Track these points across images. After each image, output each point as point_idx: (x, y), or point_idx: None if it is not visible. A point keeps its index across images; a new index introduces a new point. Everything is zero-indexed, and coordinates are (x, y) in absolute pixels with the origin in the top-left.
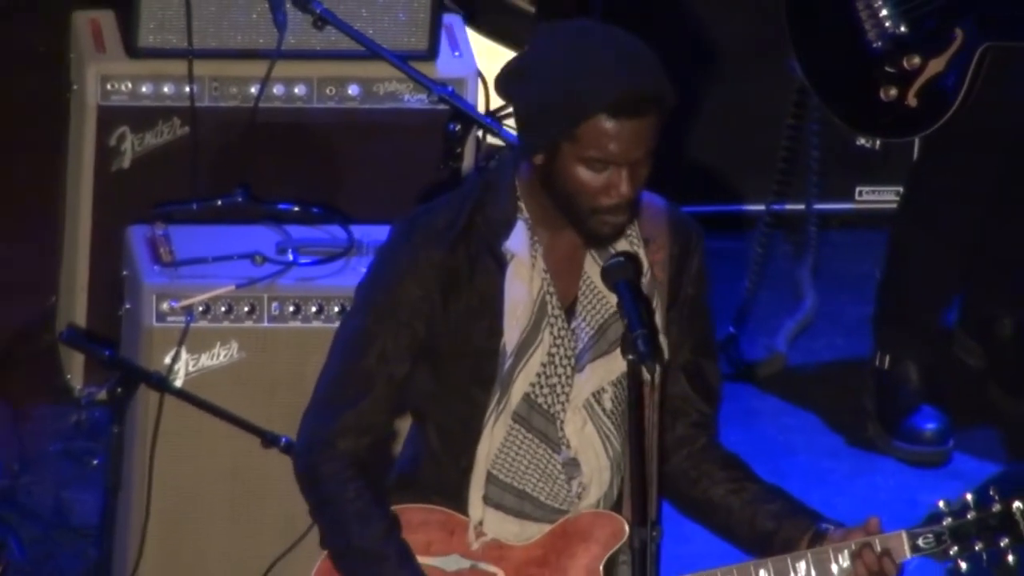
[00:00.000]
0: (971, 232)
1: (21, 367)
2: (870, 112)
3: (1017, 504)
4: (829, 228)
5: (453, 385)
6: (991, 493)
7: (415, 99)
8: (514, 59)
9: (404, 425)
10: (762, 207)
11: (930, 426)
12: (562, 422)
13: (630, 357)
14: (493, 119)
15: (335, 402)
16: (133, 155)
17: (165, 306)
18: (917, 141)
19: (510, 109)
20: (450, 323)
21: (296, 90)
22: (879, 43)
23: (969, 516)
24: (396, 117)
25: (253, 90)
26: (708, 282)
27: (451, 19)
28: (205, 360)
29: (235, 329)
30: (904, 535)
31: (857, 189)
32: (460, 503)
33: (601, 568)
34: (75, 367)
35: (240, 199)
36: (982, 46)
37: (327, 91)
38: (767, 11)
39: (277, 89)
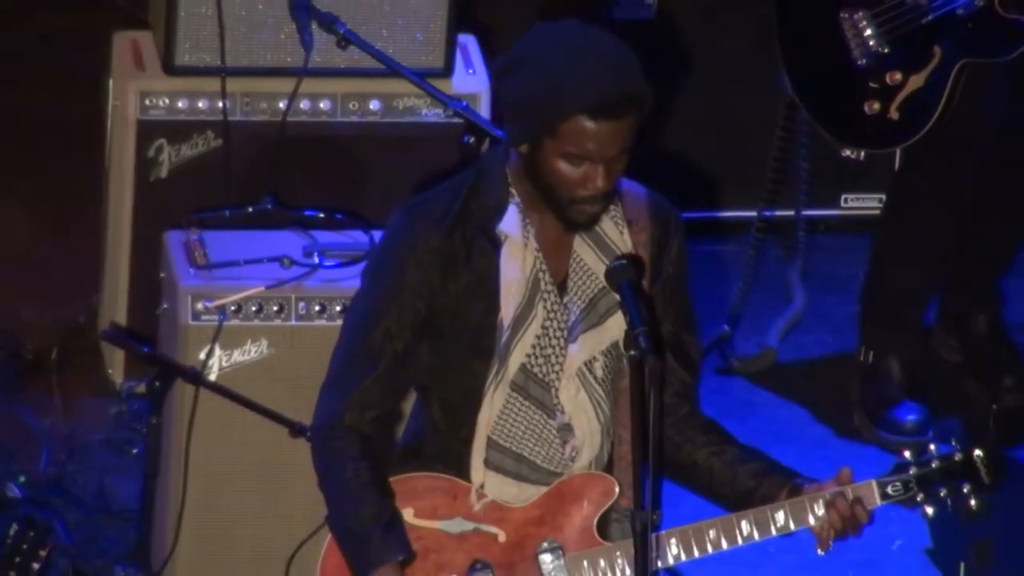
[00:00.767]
0: (949, 237)
1: (67, 363)
2: (855, 125)
3: (977, 452)
4: (817, 233)
5: (454, 359)
6: (952, 443)
7: (432, 113)
8: (506, 53)
9: (408, 406)
10: (754, 213)
11: (911, 417)
12: (556, 389)
13: (632, 353)
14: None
15: (345, 380)
16: (170, 166)
17: (200, 306)
18: (898, 151)
19: None
20: (450, 302)
21: (321, 105)
22: (863, 60)
23: (933, 465)
24: (414, 130)
25: (281, 105)
26: (687, 262)
27: (466, 39)
28: (237, 356)
29: (265, 327)
30: (874, 484)
31: (842, 196)
32: (462, 469)
33: (595, 525)
34: (116, 363)
35: (269, 206)
36: (959, 62)
37: (350, 106)
38: (761, 32)
39: (304, 104)
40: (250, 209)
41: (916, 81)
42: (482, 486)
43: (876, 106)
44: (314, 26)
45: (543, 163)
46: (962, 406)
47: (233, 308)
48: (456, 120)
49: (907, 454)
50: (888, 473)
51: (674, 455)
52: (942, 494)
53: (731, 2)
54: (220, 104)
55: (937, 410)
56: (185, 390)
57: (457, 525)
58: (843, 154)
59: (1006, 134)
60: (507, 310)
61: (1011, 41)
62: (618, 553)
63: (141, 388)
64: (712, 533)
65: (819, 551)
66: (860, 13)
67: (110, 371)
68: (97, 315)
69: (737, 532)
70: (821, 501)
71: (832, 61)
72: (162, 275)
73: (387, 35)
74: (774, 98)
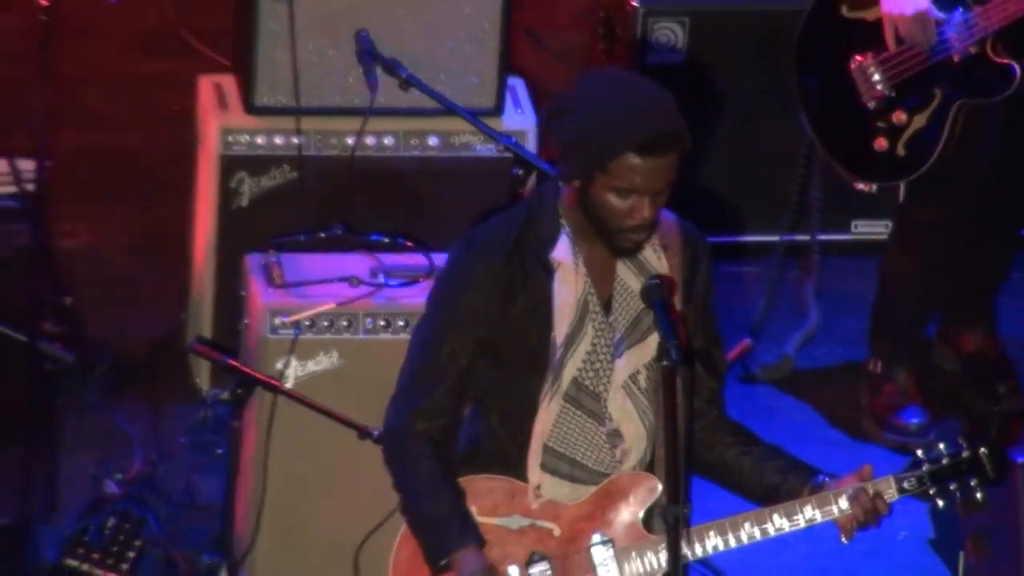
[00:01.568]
0: (948, 260)
1: (158, 373)
2: (866, 161)
3: (983, 450)
4: (830, 255)
5: (512, 374)
6: (960, 442)
7: (484, 148)
8: (557, 98)
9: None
10: (774, 238)
11: (914, 421)
12: (605, 400)
13: (664, 363)
14: (549, 164)
15: (415, 392)
16: (250, 196)
17: (277, 321)
18: (903, 183)
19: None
20: (508, 323)
21: (385, 141)
22: (871, 102)
23: (944, 462)
24: (469, 163)
25: (350, 141)
26: (714, 282)
27: (515, 81)
28: (310, 366)
29: (335, 340)
30: (892, 480)
31: (853, 223)
32: (519, 471)
33: (640, 519)
34: (202, 373)
35: (339, 232)
36: (957, 103)
37: (411, 142)
38: (783, 77)
39: (370, 140)
40: (322, 234)
41: (919, 120)
42: (539, 487)
43: (884, 143)
44: (379, 70)
45: (594, 196)
46: (960, 411)
47: (307, 323)
48: (506, 154)
49: (920, 452)
50: (903, 469)
51: (706, 455)
52: (952, 488)
53: (754, 49)
54: (295, 140)
55: (937, 414)
56: (264, 397)
57: (516, 521)
58: (857, 187)
59: (999, 167)
60: (560, 330)
61: (1003, 83)
62: (662, 546)
63: (225, 395)
64: (747, 526)
65: (843, 539)
66: (868, 60)
67: (197, 380)
68: (185, 330)
69: (770, 523)
70: (845, 496)
71: (844, 103)
72: (243, 293)
73: (444, 79)
74: (792, 135)
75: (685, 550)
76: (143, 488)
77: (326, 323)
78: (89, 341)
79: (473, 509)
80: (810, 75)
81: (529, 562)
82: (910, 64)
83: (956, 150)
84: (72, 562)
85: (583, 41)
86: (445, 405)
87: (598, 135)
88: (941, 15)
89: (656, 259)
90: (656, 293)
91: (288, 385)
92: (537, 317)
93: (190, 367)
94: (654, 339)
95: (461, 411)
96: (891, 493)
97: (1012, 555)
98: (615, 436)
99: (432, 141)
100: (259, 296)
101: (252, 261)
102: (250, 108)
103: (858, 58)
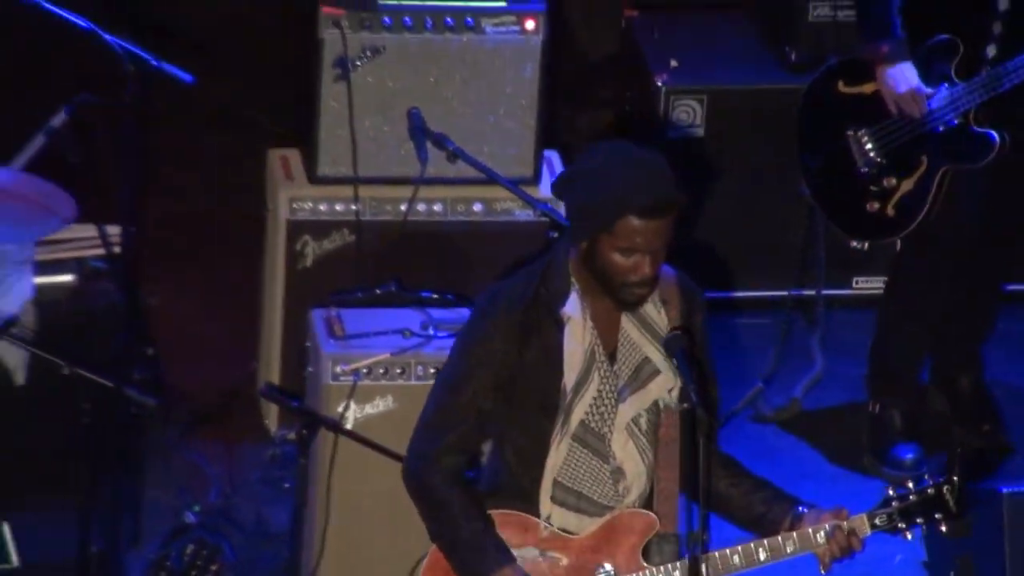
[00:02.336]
0: (938, 312)
1: (232, 416)
2: (859, 221)
3: (946, 487)
4: (833, 308)
5: (526, 415)
6: (927, 479)
7: (523, 213)
8: (564, 170)
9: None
10: (784, 293)
11: (909, 456)
12: (610, 440)
13: (685, 405)
14: None
15: (439, 428)
16: (314, 257)
17: (338, 369)
18: (898, 243)
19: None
20: (523, 369)
21: (435, 207)
22: (865, 168)
23: (911, 498)
24: (509, 227)
25: (403, 207)
26: (708, 330)
27: (550, 153)
28: (368, 409)
29: (390, 386)
30: (865, 517)
31: (854, 279)
32: (532, 504)
33: (640, 552)
34: (271, 415)
35: (393, 289)
36: (942, 168)
37: (458, 208)
38: (785, 146)
39: (421, 207)
40: (378, 291)
41: (907, 185)
42: (548, 517)
43: (875, 205)
44: (428, 144)
45: (600, 256)
46: (950, 447)
47: (365, 371)
48: (543, 219)
49: (890, 491)
50: (876, 507)
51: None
52: (919, 522)
53: (763, 123)
54: (353, 207)
55: (930, 450)
56: (327, 437)
57: (529, 552)
58: (851, 244)
59: (984, 225)
60: (570, 377)
61: (984, 150)
62: (658, 570)
63: (291, 435)
64: (736, 559)
65: (821, 570)
66: (862, 131)
67: (266, 422)
68: (256, 377)
69: (755, 557)
70: (822, 532)
71: (840, 168)
72: (308, 344)
73: (487, 151)
74: (797, 200)
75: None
76: (218, 518)
77: (382, 371)
78: (170, 388)
79: None
80: (810, 143)
81: None
82: (900, 134)
83: (942, 210)
84: None
85: (612, 118)
86: (468, 442)
87: (603, 201)
88: (929, 90)
89: (656, 313)
90: (678, 343)
91: (348, 426)
92: (549, 365)
93: (260, 410)
94: (655, 385)
95: (480, 446)
96: (865, 530)
97: (997, 574)
98: (618, 473)
99: (476, 207)
100: (322, 347)
101: (316, 316)
102: (313, 178)
103: (853, 129)
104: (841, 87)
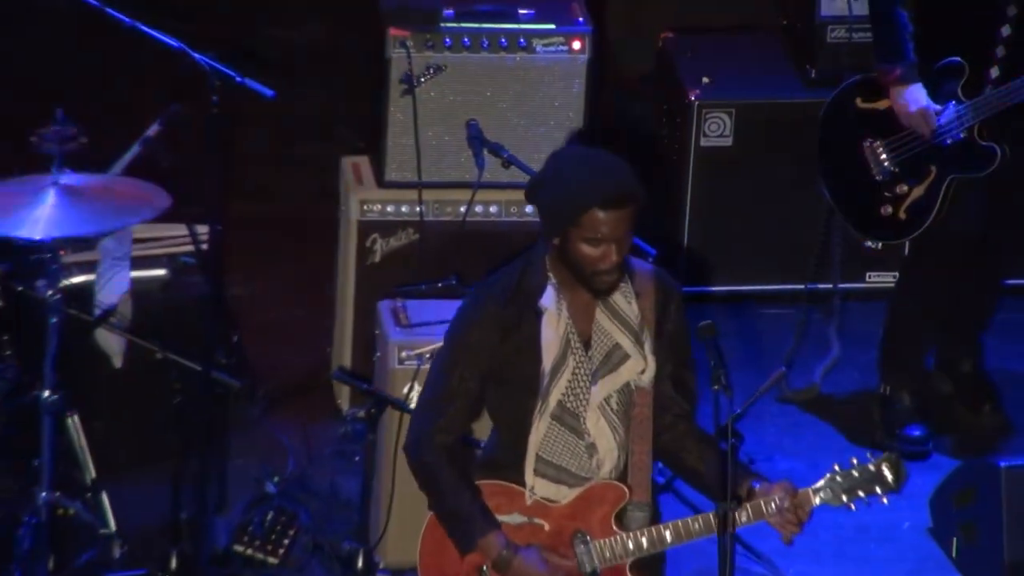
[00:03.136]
0: (943, 303)
1: (308, 396)
2: (874, 223)
3: (884, 464)
4: (848, 301)
5: (510, 397)
6: (868, 456)
7: None
8: (535, 175)
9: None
10: (804, 287)
11: (917, 433)
12: (584, 419)
13: (715, 387)
14: None
15: (431, 411)
16: (382, 253)
17: (403, 354)
18: (907, 243)
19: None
20: (506, 356)
21: (491, 209)
22: (879, 176)
23: (854, 473)
24: None
25: (462, 209)
26: (684, 319)
27: None
28: None
29: None
30: (810, 491)
31: (867, 274)
32: (520, 475)
33: (612, 519)
34: (343, 395)
35: (453, 282)
36: (949, 177)
37: (511, 210)
38: (808, 155)
39: (478, 208)
40: (439, 284)
41: (918, 191)
42: (532, 488)
43: (889, 209)
44: (485, 152)
45: (571, 248)
46: (953, 426)
47: (427, 356)
48: None
49: (836, 466)
50: (821, 481)
51: (672, 461)
52: (860, 495)
53: (787, 134)
54: (417, 208)
55: (935, 428)
56: (393, 415)
57: (515, 518)
58: (865, 244)
59: (985, 227)
60: (547, 362)
61: (987, 161)
62: (626, 536)
63: (361, 414)
64: (696, 526)
65: (784, 542)
66: (877, 142)
67: (339, 402)
68: (330, 361)
69: (714, 524)
70: (773, 504)
71: (857, 177)
72: (376, 332)
73: (537, 157)
74: (817, 203)
75: (643, 540)
76: (295, 488)
77: None
78: (252, 370)
79: None
80: (831, 152)
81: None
82: (911, 146)
83: (948, 214)
84: (239, 547)
85: (651, 128)
86: (458, 422)
87: (568, 199)
88: (937, 107)
89: (627, 304)
90: (708, 332)
91: (412, 405)
92: (528, 351)
93: (334, 391)
94: (625, 369)
95: (470, 426)
96: (810, 502)
97: (995, 541)
98: (592, 448)
99: (528, 209)
100: (389, 335)
101: (383, 306)
102: (382, 183)
103: (869, 140)
104: (859, 103)
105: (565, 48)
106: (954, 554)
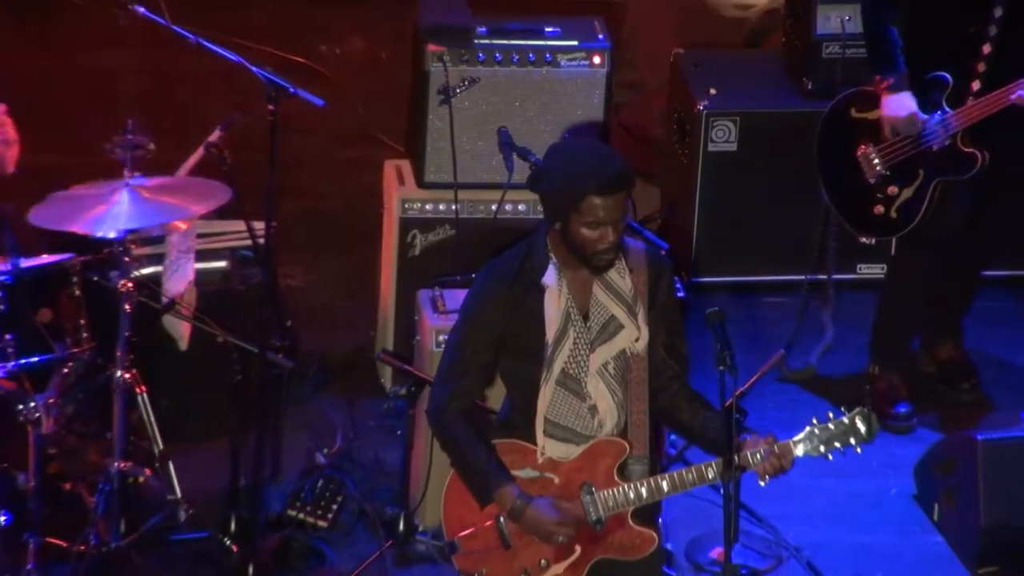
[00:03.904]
0: (927, 292)
1: (354, 375)
2: (867, 221)
3: (857, 417)
4: (842, 290)
5: (519, 366)
6: (842, 410)
7: None
8: (536, 168)
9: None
10: (802, 277)
11: (903, 410)
12: (585, 383)
13: (721, 368)
14: (639, 224)
15: (448, 380)
16: (421, 247)
17: (441, 338)
18: (895, 239)
19: (646, 215)
20: (513, 329)
21: (520, 207)
22: (872, 179)
23: (830, 427)
24: None
25: (493, 208)
26: (675, 293)
27: None
28: None
29: None
30: (791, 442)
31: (859, 266)
32: (531, 435)
33: (615, 471)
34: (386, 375)
35: None
36: (935, 180)
37: (538, 208)
38: (807, 160)
39: (508, 207)
40: (473, 275)
41: (907, 193)
42: (543, 448)
43: (880, 209)
44: (515, 156)
45: (571, 231)
46: (935, 403)
47: None
48: None
49: (814, 420)
50: (800, 434)
51: (668, 417)
52: (837, 446)
53: (785, 140)
54: (453, 207)
55: (919, 405)
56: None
57: (527, 473)
58: (860, 240)
59: (967, 224)
60: (550, 334)
61: (969, 166)
62: (628, 487)
63: (402, 392)
64: (690, 476)
65: (760, 483)
66: (870, 148)
67: (382, 380)
68: (374, 344)
69: (705, 474)
70: (759, 455)
71: (852, 180)
72: (416, 318)
73: None
74: (814, 203)
75: (643, 490)
76: (343, 458)
77: None
78: (304, 352)
79: None
80: (828, 157)
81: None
82: (901, 151)
83: (934, 213)
84: (292, 512)
85: (663, 133)
86: (471, 389)
87: (568, 187)
88: (925, 116)
89: (621, 279)
90: (715, 318)
91: None
92: (533, 325)
93: (377, 371)
94: (620, 338)
95: (484, 392)
96: (791, 453)
97: (973, 506)
98: (593, 409)
99: None
100: (428, 320)
101: (422, 295)
102: (421, 184)
103: (863, 147)
104: (853, 113)
105: (587, 63)
106: (936, 518)
